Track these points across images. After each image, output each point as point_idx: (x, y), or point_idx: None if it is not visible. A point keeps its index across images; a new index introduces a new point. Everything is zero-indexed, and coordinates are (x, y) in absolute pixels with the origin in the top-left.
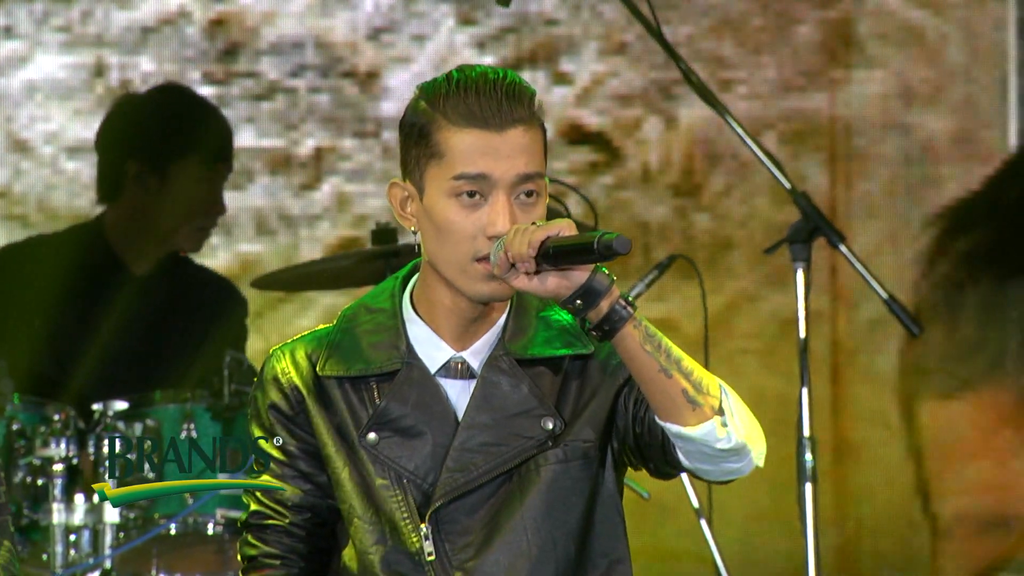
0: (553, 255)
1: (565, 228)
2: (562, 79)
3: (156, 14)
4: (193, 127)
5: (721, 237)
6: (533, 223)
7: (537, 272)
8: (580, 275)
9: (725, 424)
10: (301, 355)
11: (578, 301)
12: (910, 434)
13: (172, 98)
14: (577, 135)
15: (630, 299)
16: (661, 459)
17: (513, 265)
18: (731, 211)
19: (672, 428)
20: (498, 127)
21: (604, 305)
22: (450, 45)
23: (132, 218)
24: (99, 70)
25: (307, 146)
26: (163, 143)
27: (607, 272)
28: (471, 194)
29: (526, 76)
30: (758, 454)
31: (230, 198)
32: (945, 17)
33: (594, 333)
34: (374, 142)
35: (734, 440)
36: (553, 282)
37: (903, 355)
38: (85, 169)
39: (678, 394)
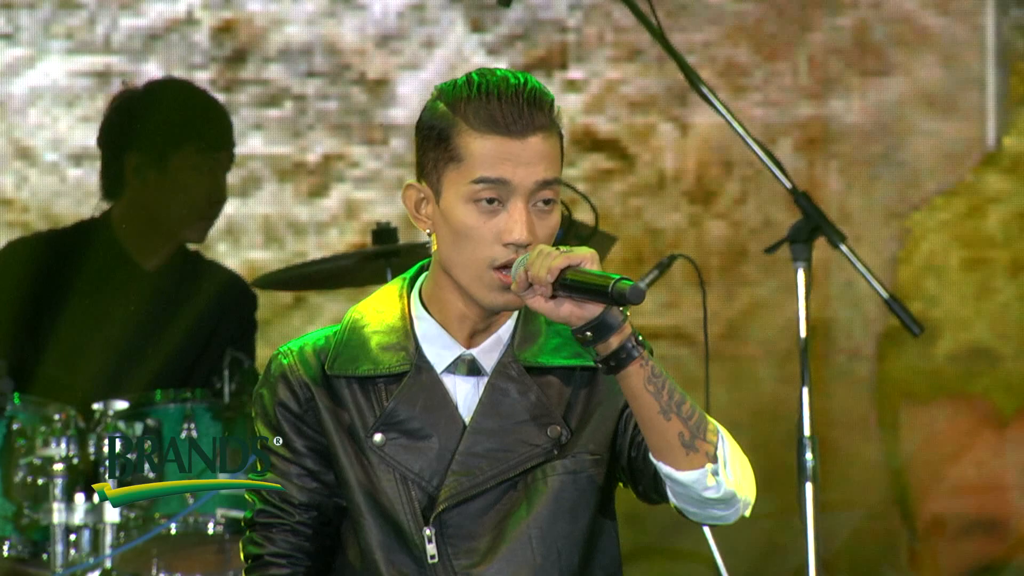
0: (570, 286)
1: (588, 260)
2: (574, 85)
3: (162, 19)
4: (190, 117)
5: (736, 245)
6: (558, 247)
7: (553, 296)
8: (594, 308)
9: (716, 473)
10: (310, 353)
11: (588, 332)
12: (891, 438)
13: (169, 90)
14: (590, 142)
15: (641, 338)
16: (651, 488)
17: (531, 285)
18: (746, 218)
19: (663, 468)
20: (519, 134)
21: (614, 341)
22: (460, 51)
23: (137, 212)
24: (105, 76)
25: (315, 153)
26: (161, 135)
27: (622, 309)
28: (490, 200)
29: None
30: (745, 504)
31: (237, 205)
32: (962, 22)
33: (600, 366)
34: (383, 149)
35: (723, 490)
36: (567, 309)
37: (883, 359)
38: (90, 176)
39: (674, 437)
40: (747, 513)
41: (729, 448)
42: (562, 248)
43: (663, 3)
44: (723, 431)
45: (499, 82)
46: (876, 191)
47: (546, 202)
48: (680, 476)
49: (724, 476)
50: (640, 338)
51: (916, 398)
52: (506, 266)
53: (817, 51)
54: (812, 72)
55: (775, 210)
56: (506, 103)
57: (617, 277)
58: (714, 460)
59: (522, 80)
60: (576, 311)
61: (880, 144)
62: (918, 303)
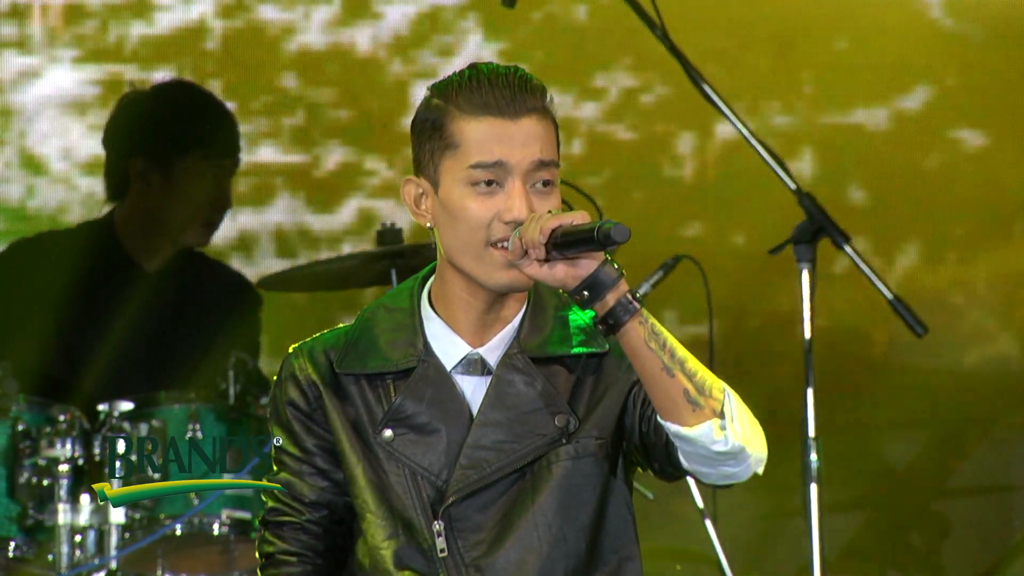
0: (561, 243)
1: (578, 217)
2: (593, 93)
3: (174, 27)
4: (197, 123)
5: (758, 253)
6: (549, 211)
7: (548, 260)
8: (588, 265)
9: (723, 427)
10: (319, 352)
11: (584, 292)
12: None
13: (177, 94)
14: (609, 150)
15: (638, 295)
16: (665, 460)
17: (527, 252)
18: (769, 228)
19: (671, 427)
20: (512, 115)
21: (610, 298)
22: (477, 59)
23: (140, 215)
24: (115, 84)
25: (330, 163)
26: (167, 140)
27: (617, 267)
28: (488, 183)
29: (555, 90)
30: (756, 461)
31: (250, 216)
32: (988, 28)
33: (600, 326)
34: (399, 159)
35: (731, 443)
36: (562, 271)
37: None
38: (100, 186)
39: (679, 393)
40: (760, 470)
41: (736, 405)
42: (552, 211)
43: (681, 9)
44: (729, 389)
45: (489, 71)
46: (900, 201)
47: (544, 184)
48: (688, 432)
49: (732, 430)
50: (637, 295)
51: (926, 402)
52: (507, 241)
53: (840, 58)
54: (835, 80)
55: (798, 218)
56: (497, 87)
57: (601, 221)
58: (721, 416)
59: (512, 68)
60: (571, 271)
61: (903, 152)
62: (943, 316)
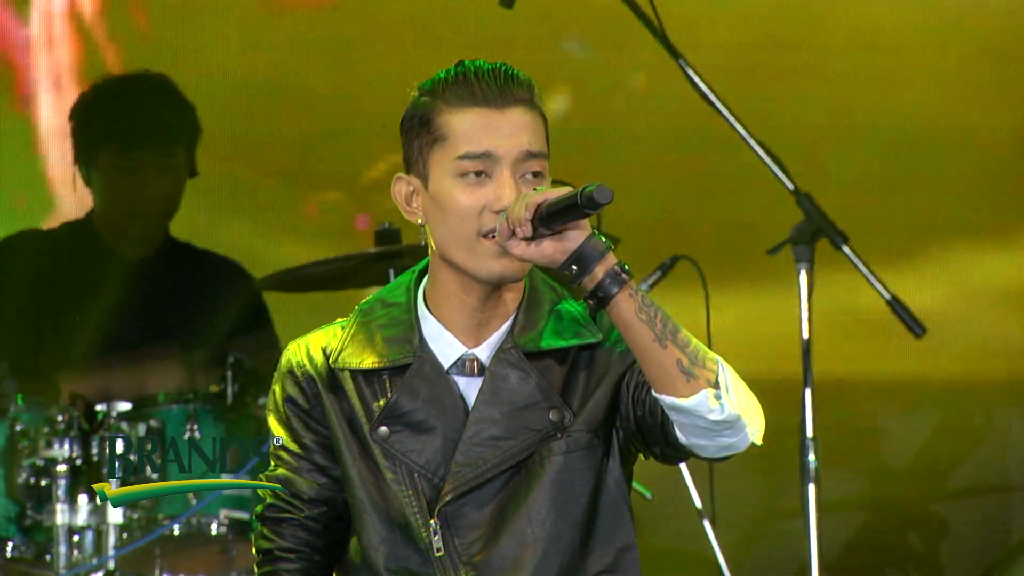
0: (546, 216)
1: (563, 192)
2: (600, 95)
3: (172, 26)
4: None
5: (757, 254)
6: (534, 189)
7: (535, 238)
8: (575, 237)
9: (719, 397)
10: (316, 348)
11: (573, 266)
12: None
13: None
14: (608, 149)
15: (626, 267)
16: (663, 441)
17: (514, 232)
18: (778, 227)
19: (666, 400)
20: (499, 105)
21: (599, 270)
22: (478, 58)
23: (106, 206)
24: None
25: (331, 163)
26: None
27: (604, 240)
28: (477, 173)
29: (561, 92)
30: (754, 431)
31: (253, 221)
32: (994, 26)
33: (590, 301)
34: (398, 159)
35: (727, 412)
36: (549, 246)
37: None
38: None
39: (672, 365)
40: (758, 440)
41: (730, 375)
42: (538, 188)
43: (689, 5)
44: (723, 361)
45: (475, 66)
46: (911, 203)
47: (534, 174)
48: (683, 403)
49: (727, 399)
50: (626, 268)
51: (925, 403)
52: (494, 233)
53: (840, 57)
54: (842, 77)
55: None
56: (484, 79)
57: (584, 187)
58: (715, 385)
59: (499, 64)
60: (558, 246)
61: (936, 156)
62: (960, 327)
